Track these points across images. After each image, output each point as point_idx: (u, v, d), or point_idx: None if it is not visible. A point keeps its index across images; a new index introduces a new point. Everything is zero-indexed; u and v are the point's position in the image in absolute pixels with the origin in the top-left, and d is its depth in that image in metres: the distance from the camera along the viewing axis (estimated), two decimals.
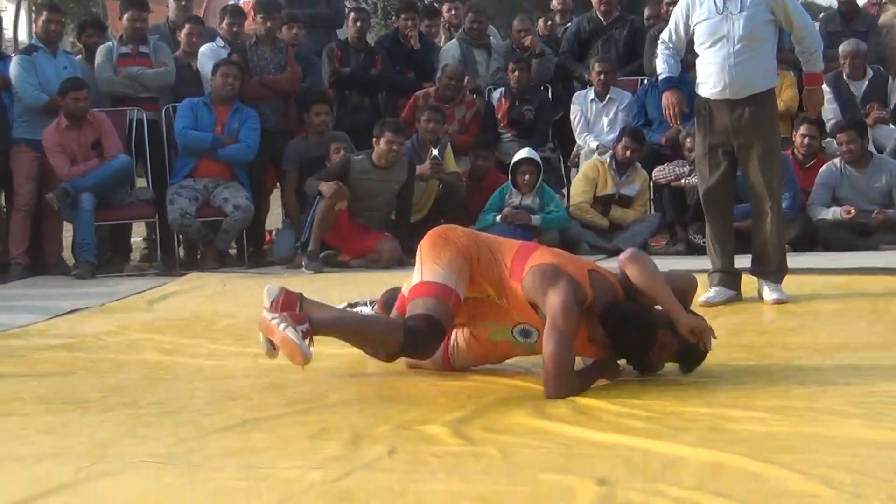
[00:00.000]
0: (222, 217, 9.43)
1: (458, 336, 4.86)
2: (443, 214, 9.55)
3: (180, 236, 9.89)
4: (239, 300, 7.56)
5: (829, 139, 9.84)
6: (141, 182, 10.26)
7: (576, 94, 10.54)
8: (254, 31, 10.44)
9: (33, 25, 13.01)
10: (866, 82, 10.25)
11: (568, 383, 4.38)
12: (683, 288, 4.81)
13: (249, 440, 3.90)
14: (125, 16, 10.10)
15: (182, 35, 10.53)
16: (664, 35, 6.83)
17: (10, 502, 3.22)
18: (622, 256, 4.74)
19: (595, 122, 10.35)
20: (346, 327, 4.72)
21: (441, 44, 11.49)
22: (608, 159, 9.63)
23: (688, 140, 8.87)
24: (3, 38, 22.57)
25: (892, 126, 9.99)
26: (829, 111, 9.83)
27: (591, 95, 10.36)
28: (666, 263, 6.48)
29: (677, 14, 6.71)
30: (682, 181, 9.25)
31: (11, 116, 9.54)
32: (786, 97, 9.62)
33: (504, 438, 3.78)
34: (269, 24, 10.08)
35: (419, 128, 9.76)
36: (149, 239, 10.49)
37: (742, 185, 6.80)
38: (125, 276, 9.39)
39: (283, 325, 4.38)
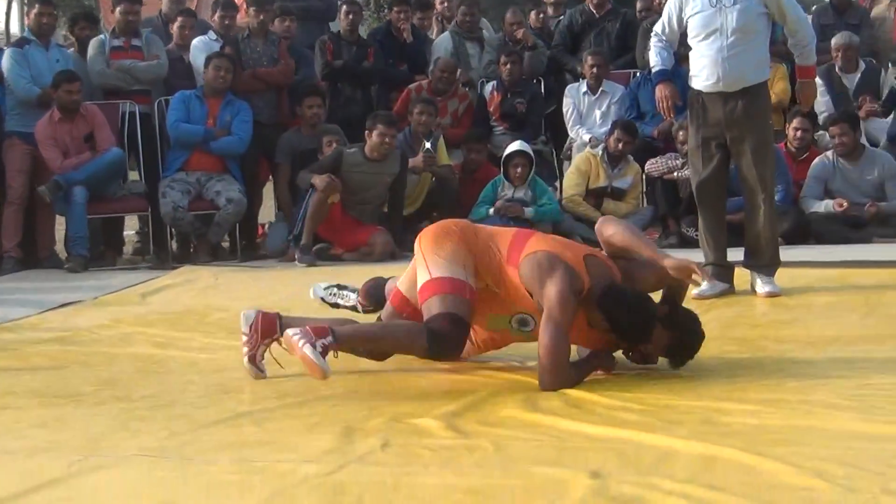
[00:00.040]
0: (215, 210, 9.42)
1: None
2: (435, 207, 9.55)
3: (173, 230, 9.89)
4: (232, 294, 7.56)
5: (821, 132, 9.84)
6: (133, 175, 10.24)
7: (568, 86, 10.53)
8: (246, 23, 10.43)
9: (25, 18, 12.94)
10: (859, 75, 10.26)
11: (563, 375, 4.37)
12: (676, 279, 4.82)
13: (242, 433, 3.90)
14: (117, 9, 10.09)
15: (174, 28, 10.51)
16: (657, 28, 6.83)
17: (3, 496, 3.21)
18: (597, 225, 4.82)
19: (587, 114, 10.35)
20: (369, 335, 4.66)
21: (433, 36, 11.47)
22: (600, 152, 9.63)
23: (680, 133, 8.86)
24: None
25: (884, 119, 10.00)
26: (822, 104, 9.84)
27: (584, 88, 10.35)
28: None
29: (670, 7, 6.70)
30: (675, 174, 9.25)
31: (4, 109, 9.53)
32: (777, 90, 9.61)
33: (497, 431, 3.77)
34: (261, 17, 10.08)
35: (412, 121, 9.76)
36: (141, 232, 10.48)
37: (735, 178, 6.80)
38: (118, 269, 9.39)
39: (301, 342, 4.37)
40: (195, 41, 10.26)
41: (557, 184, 10.44)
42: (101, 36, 10.17)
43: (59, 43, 10.50)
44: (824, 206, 9.06)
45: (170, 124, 9.61)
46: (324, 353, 4.36)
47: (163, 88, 10.09)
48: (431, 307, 4.47)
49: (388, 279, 5.36)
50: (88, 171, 9.17)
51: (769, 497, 2.98)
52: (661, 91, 6.74)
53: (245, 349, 4.81)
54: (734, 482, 3.10)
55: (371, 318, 5.20)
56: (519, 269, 4.50)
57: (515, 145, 9.41)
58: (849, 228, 8.92)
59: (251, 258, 9.53)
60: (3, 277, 8.90)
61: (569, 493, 3.08)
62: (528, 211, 9.20)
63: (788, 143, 9.44)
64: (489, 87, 10.56)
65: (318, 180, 8.73)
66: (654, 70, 6.91)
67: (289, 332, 4.45)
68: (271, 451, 3.65)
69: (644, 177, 9.72)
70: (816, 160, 9.29)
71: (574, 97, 10.38)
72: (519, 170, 9.27)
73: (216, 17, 10.62)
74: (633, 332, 4.48)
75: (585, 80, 10.36)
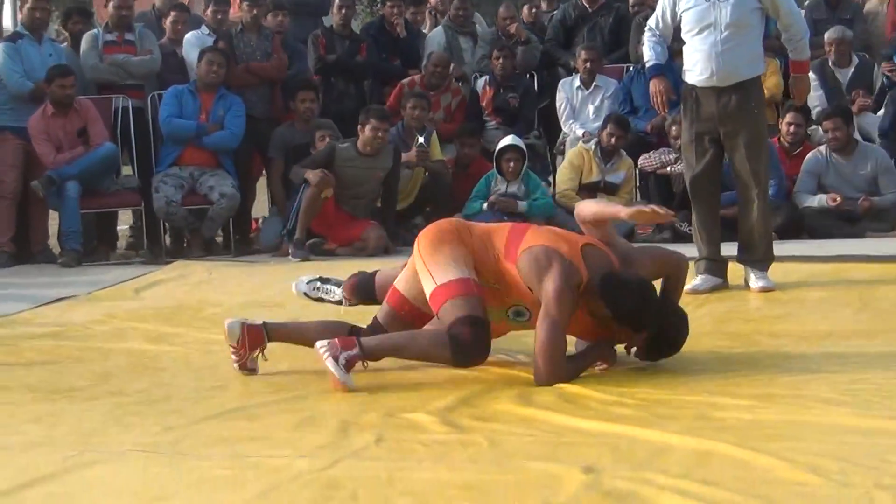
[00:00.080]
0: (208, 205, 9.40)
1: None
2: (429, 202, 9.55)
3: (166, 224, 9.86)
4: (225, 288, 7.56)
5: (814, 127, 9.85)
6: (127, 170, 10.23)
7: (561, 81, 10.51)
8: (239, 18, 10.41)
9: (18, 13, 12.90)
10: (852, 70, 10.26)
11: (558, 371, 4.38)
12: (675, 268, 4.86)
13: (236, 429, 3.91)
14: (110, 3, 10.06)
15: (167, 22, 10.49)
16: (651, 22, 6.83)
17: None
18: (575, 211, 4.93)
19: (581, 109, 10.34)
20: (396, 346, 4.62)
21: (426, 31, 11.47)
22: (593, 146, 9.62)
23: (673, 128, 8.86)
24: None
25: (877, 114, 10.00)
26: (815, 98, 9.84)
27: (577, 83, 10.34)
28: None
29: (664, 1, 6.70)
30: (668, 169, 9.25)
31: None
32: (770, 84, 9.60)
33: (491, 426, 3.78)
34: (254, 12, 10.06)
35: (405, 115, 9.75)
36: (135, 227, 10.45)
37: (728, 173, 6.80)
38: (111, 264, 9.37)
39: (326, 355, 4.41)
40: (188, 36, 10.25)
41: (551, 178, 10.44)
42: (95, 30, 10.14)
43: (51, 37, 10.49)
44: (818, 200, 9.06)
45: (162, 120, 9.58)
46: (349, 365, 4.40)
47: (156, 83, 10.06)
48: (447, 314, 4.45)
49: (374, 272, 5.35)
50: (81, 165, 9.16)
51: (763, 492, 2.99)
52: (654, 86, 6.75)
53: (234, 358, 4.82)
54: (728, 477, 3.10)
55: (358, 313, 5.19)
56: (517, 264, 4.51)
57: (508, 139, 9.40)
58: (842, 223, 8.92)
59: (245, 253, 9.52)
60: None
61: (563, 487, 3.08)
62: (522, 205, 9.19)
63: (782, 138, 9.44)
64: (482, 81, 10.55)
65: (312, 175, 8.72)
66: (647, 65, 6.91)
67: (317, 344, 4.48)
68: (265, 446, 3.65)
69: (637, 171, 9.72)
70: (809, 155, 9.29)
71: (567, 92, 10.37)
72: (512, 164, 9.26)
73: (209, 11, 10.60)
74: (635, 317, 4.47)
75: (578, 75, 10.34)
